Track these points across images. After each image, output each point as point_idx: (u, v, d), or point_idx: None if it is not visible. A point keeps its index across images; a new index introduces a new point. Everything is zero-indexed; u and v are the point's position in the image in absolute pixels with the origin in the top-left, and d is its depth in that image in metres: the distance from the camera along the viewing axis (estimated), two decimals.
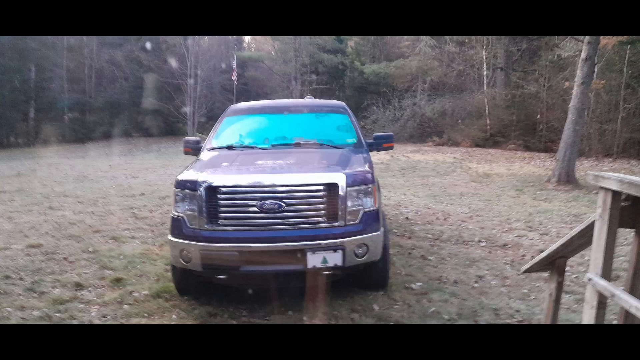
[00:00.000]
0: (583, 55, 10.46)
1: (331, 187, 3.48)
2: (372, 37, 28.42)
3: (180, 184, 3.65)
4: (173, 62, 27.21)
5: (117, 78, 28.27)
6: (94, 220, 6.91)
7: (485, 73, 23.36)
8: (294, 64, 28.74)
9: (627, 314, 2.19)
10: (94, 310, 3.72)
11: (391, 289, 4.07)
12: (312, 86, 28.66)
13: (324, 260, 3.38)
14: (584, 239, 2.48)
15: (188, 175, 3.72)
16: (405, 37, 27.13)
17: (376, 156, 6.86)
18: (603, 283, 2.04)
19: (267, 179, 3.54)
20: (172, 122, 29.50)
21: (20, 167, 14.59)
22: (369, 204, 3.60)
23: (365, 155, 4.45)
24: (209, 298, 3.92)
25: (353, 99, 27.09)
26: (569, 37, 15.75)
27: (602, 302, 2.11)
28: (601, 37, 12.13)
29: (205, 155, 4.55)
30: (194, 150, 4.92)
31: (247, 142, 4.81)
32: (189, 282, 3.91)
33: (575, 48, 16.90)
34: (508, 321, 3.51)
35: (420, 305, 3.77)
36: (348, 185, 3.50)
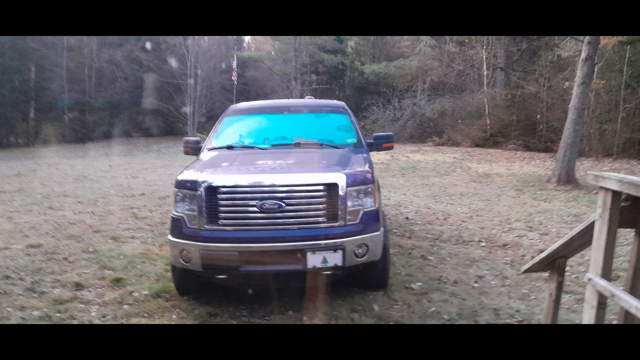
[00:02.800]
0: (583, 55, 10.46)
1: (331, 187, 3.48)
2: (372, 37, 28.44)
3: (180, 184, 3.65)
4: (173, 62, 27.23)
5: (117, 78, 28.29)
6: (94, 220, 6.91)
7: (485, 73, 23.38)
8: (294, 64, 28.75)
9: (627, 314, 2.20)
10: (94, 310, 3.72)
11: (391, 289, 4.07)
12: (312, 86, 28.67)
13: (324, 260, 3.38)
14: (584, 239, 2.48)
15: (188, 175, 3.72)
16: (405, 37, 27.15)
17: (376, 156, 6.87)
18: (603, 283, 2.04)
19: (267, 179, 3.53)
20: (172, 122, 29.52)
21: (20, 167, 14.59)
22: (369, 204, 3.60)
23: (365, 155, 4.45)
24: (209, 298, 3.92)
25: (353, 99, 27.11)
26: (569, 37, 15.75)
27: (602, 302, 2.11)
28: (601, 37, 12.14)
29: (205, 155, 4.55)
30: (194, 150, 4.92)
31: (247, 142, 4.81)
32: (189, 282, 3.91)
33: (575, 48, 16.91)
34: (508, 321, 3.50)
35: (420, 305, 3.77)
36: (348, 185, 3.50)
